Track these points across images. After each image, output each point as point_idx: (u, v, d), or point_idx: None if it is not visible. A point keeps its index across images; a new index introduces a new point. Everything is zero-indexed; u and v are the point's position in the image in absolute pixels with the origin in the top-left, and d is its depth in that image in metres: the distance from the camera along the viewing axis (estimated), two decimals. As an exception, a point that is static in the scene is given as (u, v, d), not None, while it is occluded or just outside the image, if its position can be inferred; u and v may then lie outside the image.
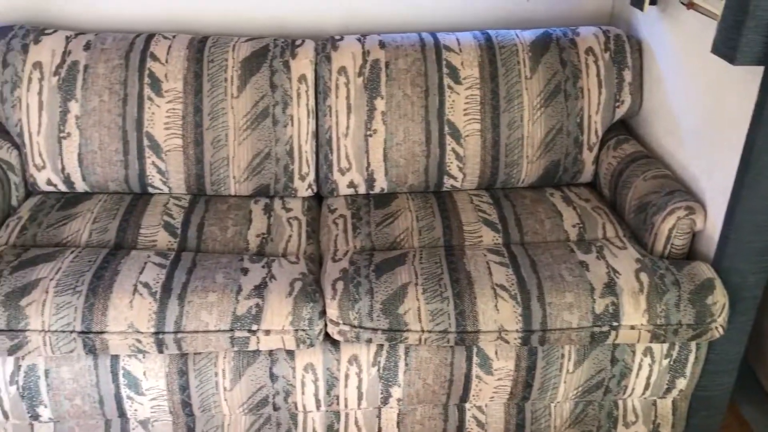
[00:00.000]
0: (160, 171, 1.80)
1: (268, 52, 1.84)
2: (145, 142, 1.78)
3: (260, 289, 1.47)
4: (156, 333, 1.42)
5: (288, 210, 1.81)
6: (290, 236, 1.71)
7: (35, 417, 1.50)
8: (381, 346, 1.53)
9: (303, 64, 1.83)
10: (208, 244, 1.65)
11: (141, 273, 1.48)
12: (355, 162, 1.84)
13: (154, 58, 1.80)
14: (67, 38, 1.81)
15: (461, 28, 2.11)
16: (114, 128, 1.76)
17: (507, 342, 1.50)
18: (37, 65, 1.76)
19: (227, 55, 1.82)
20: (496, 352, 1.55)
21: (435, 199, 1.83)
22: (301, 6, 2.07)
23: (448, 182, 1.87)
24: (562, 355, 1.56)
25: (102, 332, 1.40)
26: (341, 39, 1.89)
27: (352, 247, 1.67)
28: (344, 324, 1.47)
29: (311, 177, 1.87)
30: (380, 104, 1.81)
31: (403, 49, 1.85)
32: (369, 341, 1.49)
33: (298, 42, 1.88)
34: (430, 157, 1.83)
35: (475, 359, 1.54)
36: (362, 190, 1.88)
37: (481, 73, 1.84)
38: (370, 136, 1.82)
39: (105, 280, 1.45)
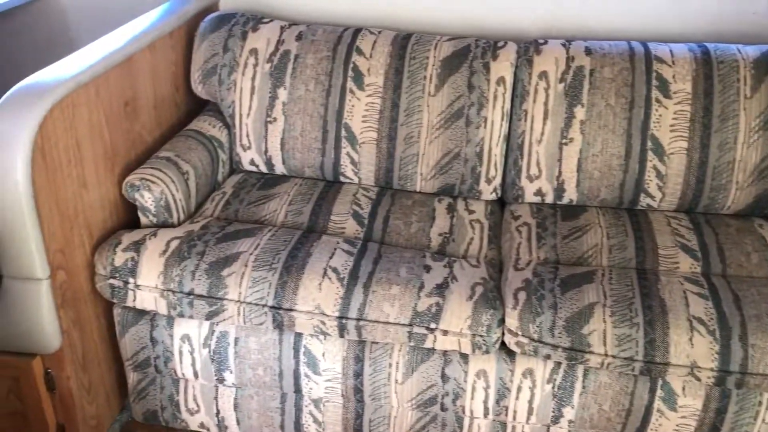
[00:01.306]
0: (353, 162, 1.85)
1: (469, 53, 1.83)
2: (343, 132, 1.84)
3: (442, 289, 1.47)
4: (340, 317, 1.46)
5: (471, 212, 1.80)
6: (472, 239, 1.70)
7: (221, 380, 1.61)
8: (559, 363, 1.47)
9: (503, 66, 1.81)
10: (392, 236, 1.68)
11: (331, 258, 1.53)
12: (546, 170, 1.79)
13: (360, 52, 1.85)
14: (282, 28, 1.92)
15: (674, 39, 1.99)
16: (316, 117, 1.84)
17: (698, 380, 1.39)
18: (253, 52, 1.88)
19: (428, 53, 1.84)
20: (683, 389, 1.44)
21: (628, 217, 1.74)
22: (504, 7, 2.04)
23: (644, 201, 1.76)
24: (760, 403, 1.43)
25: (291, 309, 1.47)
26: (545, 43, 1.84)
27: (536, 258, 1.62)
28: (523, 336, 1.44)
29: (497, 181, 1.85)
30: (580, 112, 1.75)
31: (611, 57, 1.77)
32: (547, 357, 1.44)
33: (500, 44, 1.85)
34: (628, 172, 1.74)
35: (658, 392, 1.45)
36: (549, 199, 1.83)
37: (694, 89, 1.72)
38: (566, 144, 1.76)
39: (298, 261, 1.52)
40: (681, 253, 1.59)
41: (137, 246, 1.53)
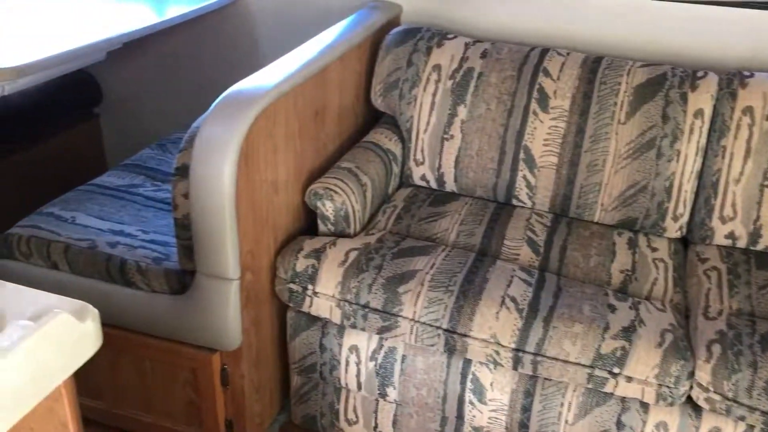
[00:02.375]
0: (529, 185, 1.80)
1: (665, 81, 1.73)
2: (521, 155, 1.79)
3: (629, 332, 1.39)
4: (516, 350, 1.42)
5: (653, 249, 1.70)
6: (656, 279, 1.60)
7: (383, 395, 1.60)
8: (752, 427, 1.35)
9: (703, 98, 1.69)
10: (569, 268, 1.61)
11: (508, 286, 1.48)
12: (742, 212, 1.66)
13: (546, 73, 1.80)
14: (466, 45, 1.89)
15: None
16: (494, 137, 1.80)
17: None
18: (437, 68, 1.87)
19: (621, 79, 1.75)
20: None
21: (837, 273, 1.57)
22: (704, 34, 1.92)
23: None
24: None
25: (465, 335, 1.44)
26: (751, 76, 1.70)
27: (728, 307, 1.50)
28: (715, 392, 1.33)
29: (684, 219, 1.73)
30: (789, 154, 1.60)
31: (830, 95, 1.61)
32: (741, 419, 1.33)
33: (699, 74, 1.74)
34: (842, 223, 1.57)
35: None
36: (742, 244, 1.69)
37: None
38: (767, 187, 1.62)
39: (475, 286, 1.48)
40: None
41: (318, 254, 1.55)
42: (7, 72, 1.48)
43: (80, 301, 0.65)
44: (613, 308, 1.45)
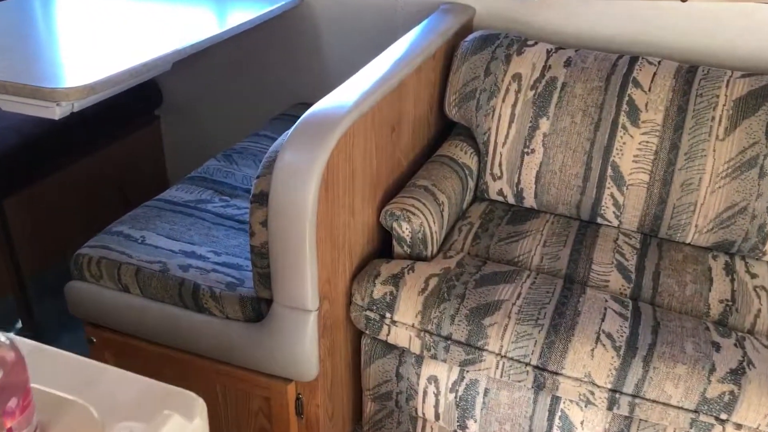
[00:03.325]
0: (616, 204, 1.69)
1: (770, 93, 1.60)
2: (609, 171, 1.68)
3: (737, 375, 1.28)
4: (613, 390, 1.32)
5: (753, 276, 1.58)
6: (759, 310, 1.48)
7: (463, 427, 1.53)
8: None
9: (812, 112, 1.56)
10: (663, 297, 1.50)
11: (603, 320, 1.39)
12: None
13: (637, 84, 1.68)
14: (548, 52, 1.78)
15: None
16: (579, 152, 1.70)
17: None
18: (516, 77, 1.76)
19: (719, 91, 1.63)
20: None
21: None
22: (809, 39, 1.77)
23: None
24: None
25: (557, 373, 1.35)
26: None
27: (842, 344, 1.38)
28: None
29: (787, 242, 1.60)
30: None
31: None
32: None
33: (808, 85, 1.60)
34: None
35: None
36: None
37: None
38: None
39: (566, 319, 1.39)
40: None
41: (396, 280, 1.48)
42: (79, 90, 1.43)
43: (188, 393, 0.59)
44: (717, 346, 1.34)
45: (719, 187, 1.60)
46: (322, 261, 1.34)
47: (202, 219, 1.69)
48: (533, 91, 1.74)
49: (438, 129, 1.95)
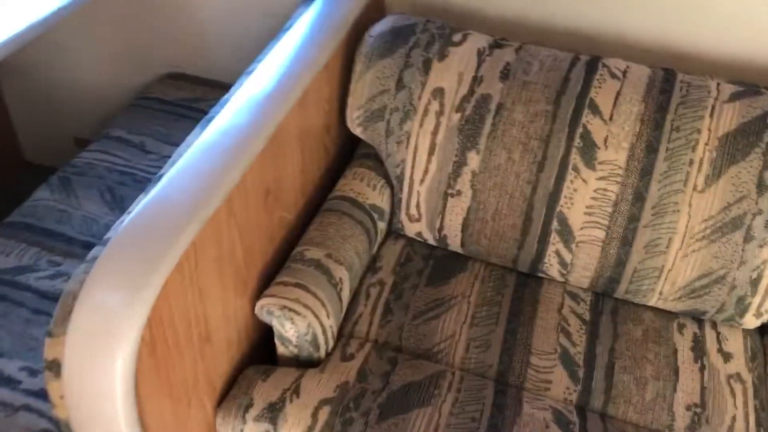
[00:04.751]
0: (562, 262, 1.33)
1: (766, 128, 1.21)
2: (554, 224, 1.30)
3: None
4: None
5: (726, 358, 1.27)
6: (734, 418, 1.19)
7: None
8: None
9: (819, 159, 1.19)
10: (618, 405, 1.19)
11: (542, 470, 1.07)
12: None
13: (595, 109, 1.26)
14: (480, 54, 1.33)
15: None
16: (518, 198, 1.30)
17: None
18: (438, 93, 1.32)
19: (701, 123, 1.23)
20: None
21: None
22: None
23: None
24: None
25: None
26: None
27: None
28: None
29: (769, 312, 1.29)
30: None
31: None
32: None
33: (815, 117, 1.22)
34: None
35: None
36: None
37: None
38: None
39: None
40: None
41: (274, 415, 1.11)
42: None
43: None
44: (685, 503, 1.05)
45: (693, 251, 1.25)
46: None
47: (18, 304, 1.26)
48: (459, 114, 1.31)
49: (340, 146, 1.51)
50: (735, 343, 1.30)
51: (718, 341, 1.30)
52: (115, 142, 1.62)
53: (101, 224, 1.42)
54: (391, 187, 1.42)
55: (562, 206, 1.29)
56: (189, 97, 1.78)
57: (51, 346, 0.89)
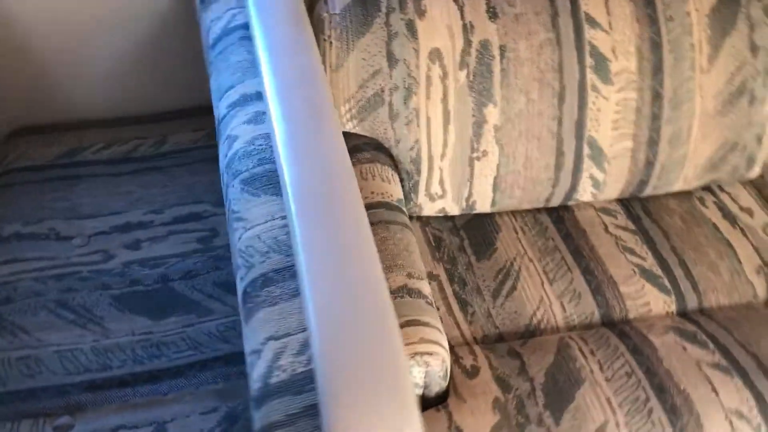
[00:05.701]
0: (596, 184, 1.29)
1: (741, -6, 1.25)
2: (585, 150, 1.25)
3: None
4: (764, 476, 1.06)
5: (749, 212, 1.36)
6: (789, 263, 1.29)
7: None
8: None
9: (791, 7, 1.26)
10: (709, 297, 1.23)
11: (714, 391, 1.07)
12: (838, 139, 1.36)
13: (593, 23, 1.20)
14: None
15: None
16: (547, 137, 1.22)
17: None
18: (435, 56, 1.16)
19: (686, 4, 1.23)
20: None
21: None
22: None
23: None
24: None
25: (701, 488, 1.04)
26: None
27: None
28: None
29: None
30: None
31: None
32: None
33: (773, -30, 1.27)
34: None
35: None
36: (828, 169, 1.42)
37: None
38: None
39: (675, 398, 1.04)
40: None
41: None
42: None
43: None
44: (824, 358, 1.12)
45: (711, 130, 1.29)
46: None
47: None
48: (464, 71, 1.17)
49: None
50: (746, 198, 1.39)
51: (734, 201, 1.38)
52: (16, 242, 1.23)
53: (88, 355, 1.08)
54: (398, 172, 1.25)
55: (590, 130, 1.24)
56: (63, 151, 1.40)
57: None
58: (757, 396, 1.06)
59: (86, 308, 1.14)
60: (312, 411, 0.69)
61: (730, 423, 1.04)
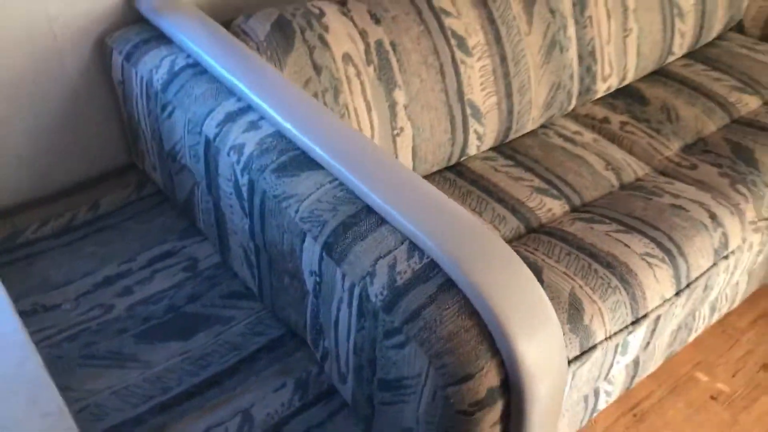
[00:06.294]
0: (479, 137, 1.64)
1: (531, -25, 1.68)
2: (468, 111, 1.58)
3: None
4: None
5: (577, 133, 1.80)
6: (624, 158, 1.73)
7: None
8: None
9: (564, -21, 1.72)
10: (584, 193, 1.62)
11: (630, 246, 1.44)
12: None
13: (446, 13, 1.54)
14: (345, 13, 1.45)
15: None
16: (441, 107, 1.53)
17: None
18: (347, 59, 1.41)
19: (501, -12, 1.63)
20: None
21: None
22: None
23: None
24: None
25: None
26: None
27: (673, 149, 1.76)
28: None
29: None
30: None
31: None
32: None
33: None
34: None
35: None
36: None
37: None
38: None
39: (620, 266, 1.39)
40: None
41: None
42: None
43: None
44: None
45: (541, 76, 1.70)
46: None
47: None
48: (371, 66, 1.44)
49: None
50: (572, 125, 1.83)
51: (566, 129, 1.81)
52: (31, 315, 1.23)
53: (143, 386, 1.14)
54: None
55: (467, 94, 1.57)
56: (7, 233, 1.40)
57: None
58: (651, 239, 1.45)
59: (115, 352, 1.19)
60: (444, 286, 0.90)
61: (647, 262, 1.41)
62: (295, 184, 1.05)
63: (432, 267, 0.91)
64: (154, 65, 1.31)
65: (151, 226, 1.44)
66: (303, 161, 1.08)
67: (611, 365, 1.46)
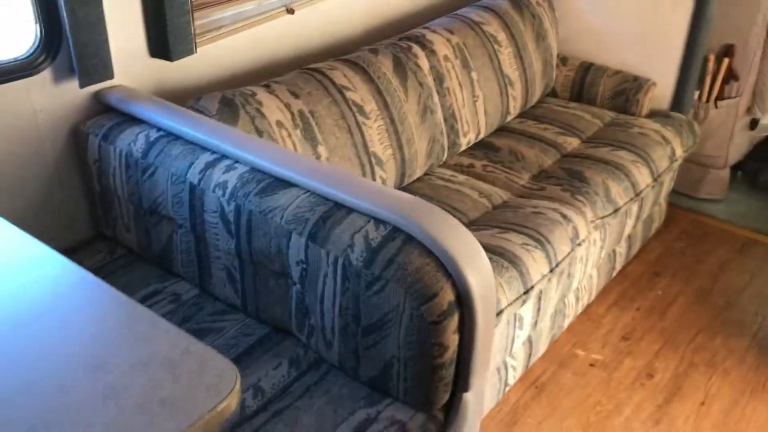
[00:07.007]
0: (383, 181, 2.07)
1: (401, 56, 2.20)
2: (372, 160, 2.02)
3: (561, 218, 2.06)
4: (549, 271, 1.91)
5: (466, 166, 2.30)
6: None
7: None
8: None
9: (427, 53, 2.26)
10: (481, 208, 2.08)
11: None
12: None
13: (345, 87, 2.00)
14: (269, 89, 1.86)
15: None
16: (353, 158, 1.96)
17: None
18: (280, 125, 1.81)
19: (375, 67, 2.13)
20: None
21: (523, 132, 2.54)
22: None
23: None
24: None
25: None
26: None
27: (526, 179, 2.31)
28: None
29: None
30: (481, 76, 2.39)
31: (471, 31, 2.43)
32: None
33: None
34: (515, 103, 2.51)
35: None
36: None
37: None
38: (481, 101, 2.40)
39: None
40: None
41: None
42: None
43: None
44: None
45: (421, 132, 2.19)
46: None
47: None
48: (298, 129, 1.85)
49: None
50: (449, 171, 2.32)
51: (445, 171, 2.30)
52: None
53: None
54: (279, 209, 1.83)
55: (370, 147, 2.02)
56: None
57: (440, 303, 1.24)
58: (525, 234, 1.93)
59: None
60: (407, 240, 1.28)
61: (525, 249, 1.87)
62: (277, 199, 1.41)
63: (395, 230, 1.30)
64: (132, 140, 1.63)
65: (132, 277, 1.70)
66: (278, 184, 1.44)
67: (513, 339, 1.89)
